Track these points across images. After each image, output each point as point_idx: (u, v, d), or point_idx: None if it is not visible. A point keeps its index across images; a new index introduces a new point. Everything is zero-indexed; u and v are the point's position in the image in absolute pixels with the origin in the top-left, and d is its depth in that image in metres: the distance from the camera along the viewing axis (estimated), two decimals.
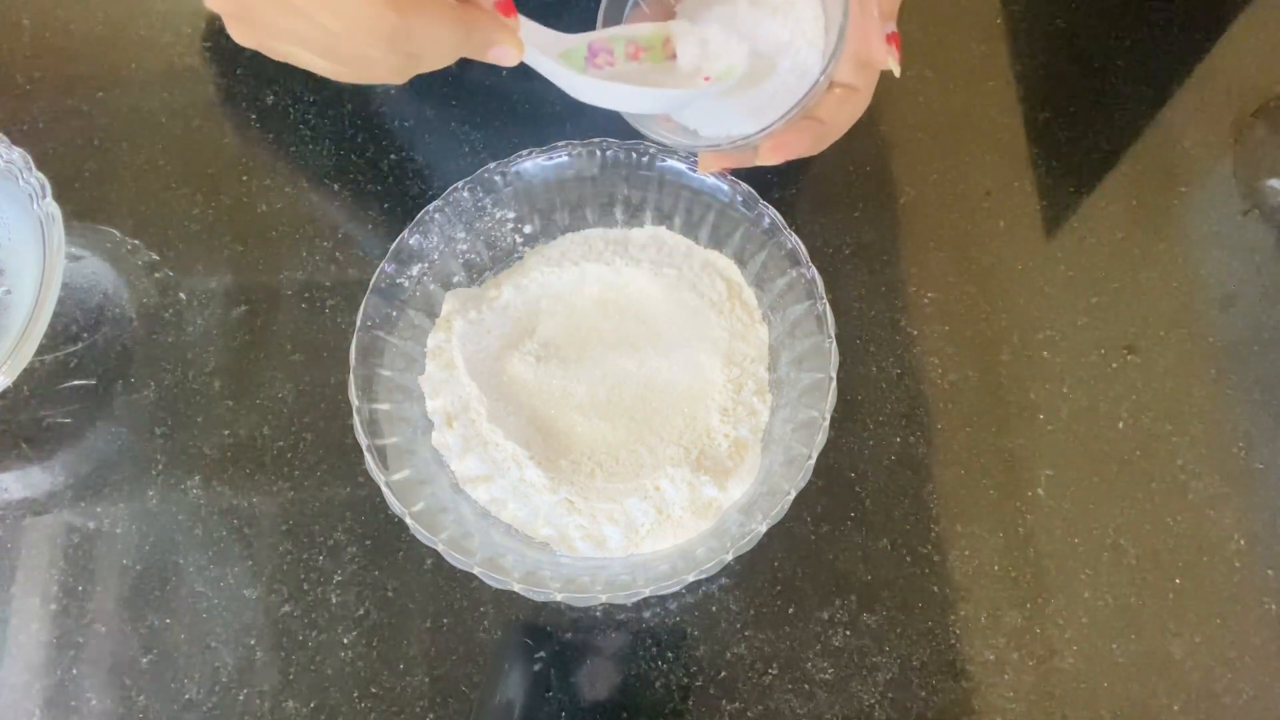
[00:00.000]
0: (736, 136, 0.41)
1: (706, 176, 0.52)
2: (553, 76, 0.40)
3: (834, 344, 0.47)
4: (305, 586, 0.51)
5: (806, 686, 0.49)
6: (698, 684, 0.49)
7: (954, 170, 0.60)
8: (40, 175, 0.53)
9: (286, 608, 0.51)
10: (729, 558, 0.44)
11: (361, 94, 0.62)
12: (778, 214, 0.50)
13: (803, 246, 0.50)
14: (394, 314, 0.51)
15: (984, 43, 0.63)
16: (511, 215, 0.54)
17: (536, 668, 0.49)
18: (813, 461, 0.45)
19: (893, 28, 0.41)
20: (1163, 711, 0.49)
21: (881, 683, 0.49)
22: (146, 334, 0.57)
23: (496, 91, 0.62)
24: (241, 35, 0.36)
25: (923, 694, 0.49)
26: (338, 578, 0.52)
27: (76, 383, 0.56)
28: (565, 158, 0.53)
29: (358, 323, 0.49)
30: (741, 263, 0.54)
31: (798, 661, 0.50)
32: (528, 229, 0.55)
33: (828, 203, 0.59)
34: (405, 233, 0.51)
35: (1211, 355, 0.55)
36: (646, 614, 0.51)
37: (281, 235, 0.59)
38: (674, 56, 0.43)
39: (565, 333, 0.53)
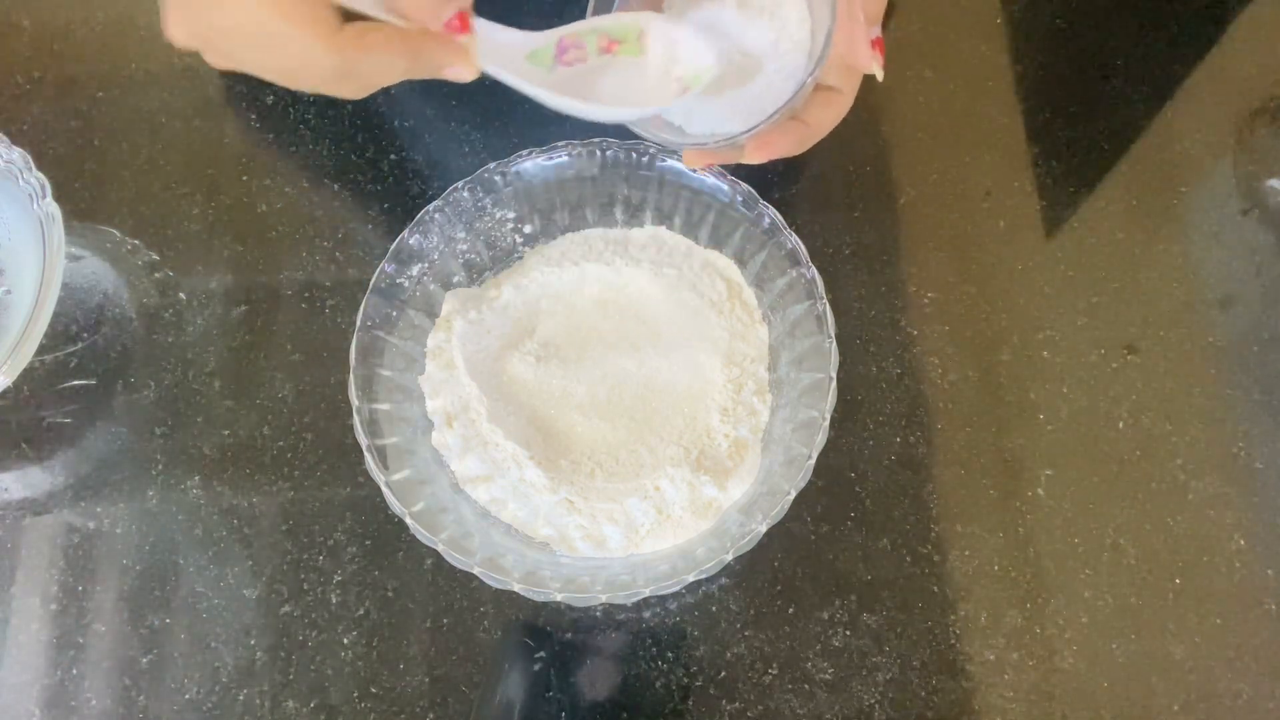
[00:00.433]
0: (723, 135, 0.41)
1: (706, 177, 0.52)
2: (518, 87, 0.39)
3: (834, 344, 0.47)
4: (305, 586, 0.51)
5: (806, 686, 0.49)
6: (698, 684, 0.50)
7: (954, 170, 0.60)
8: (40, 175, 0.53)
9: (286, 608, 0.51)
10: (729, 558, 0.44)
11: None
12: (778, 214, 0.50)
13: (803, 246, 0.50)
14: (394, 314, 0.51)
15: (984, 43, 0.63)
16: (511, 215, 0.54)
17: (536, 668, 0.49)
18: (813, 461, 0.45)
19: (877, 33, 0.41)
20: (1163, 711, 0.49)
21: (881, 683, 0.49)
22: (146, 334, 0.57)
23: (496, 91, 0.62)
24: (215, 63, 0.36)
25: (923, 694, 0.49)
26: (338, 578, 0.52)
27: (76, 383, 0.56)
28: (565, 158, 0.53)
29: (358, 323, 0.49)
30: (741, 263, 0.54)
31: (798, 661, 0.50)
32: (528, 229, 0.55)
33: (828, 203, 0.59)
34: (405, 233, 0.51)
35: (1211, 355, 0.55)
36: (646, 614, 0.51)
37: (281, 235, 0.59)
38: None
39: (565, 333, 0.53)
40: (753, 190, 0.51)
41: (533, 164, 0.53)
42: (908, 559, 0.51)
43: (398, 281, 0.51)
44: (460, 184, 0.52)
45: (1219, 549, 0.51)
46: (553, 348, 0.53)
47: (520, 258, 0.56)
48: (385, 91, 0.62)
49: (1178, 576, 0.51)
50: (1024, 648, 0.50)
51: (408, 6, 0.34)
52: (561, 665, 0.50)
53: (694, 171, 0.52)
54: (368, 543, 0.52)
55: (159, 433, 0.55)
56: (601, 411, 0.51)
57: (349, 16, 0.35)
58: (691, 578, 0.44)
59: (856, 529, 0.52)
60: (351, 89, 0.35)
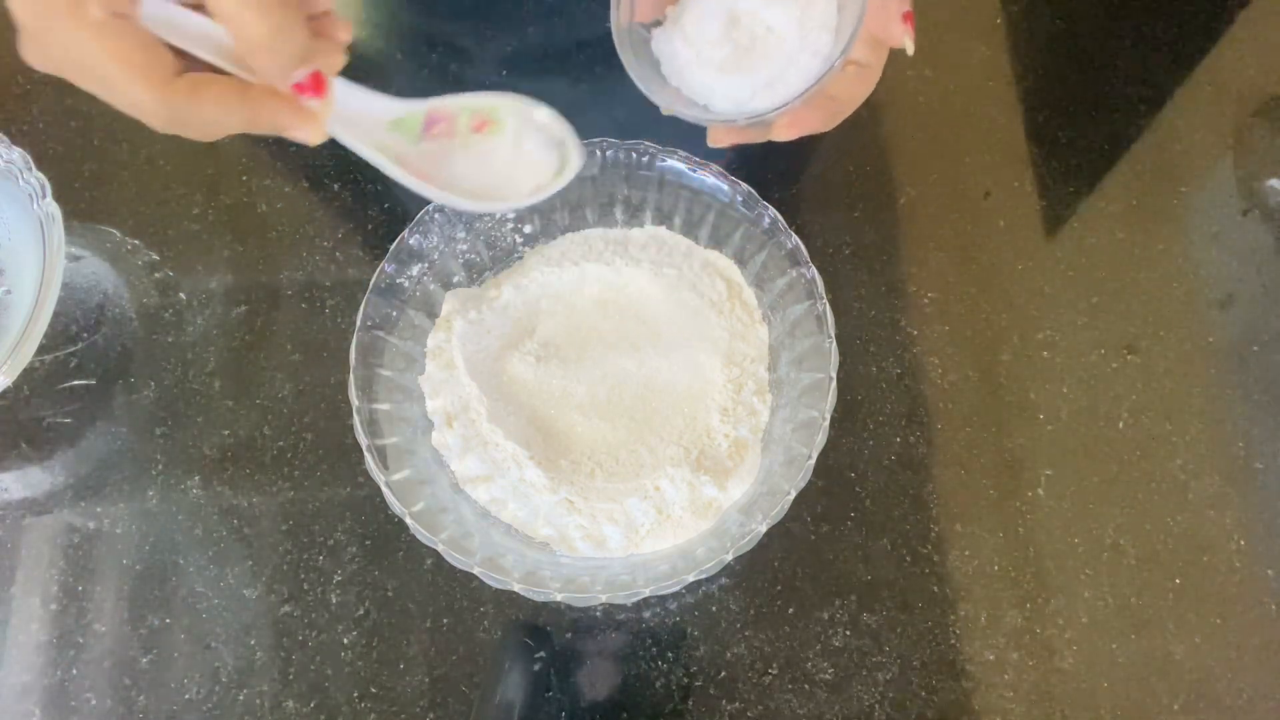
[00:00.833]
0: (751, 112, 0.41)
1: (706, 176, 0.52)
2: (369, 159, 0.37)
3: (834, 344, 0.47)
4: (305, 586, 0.51)
5: (806, 686, 0.49)
6: (698, 684, 0.50)
7: (954, 170, 0.60)
8: (40, 175, 0.53)
9: (286, 608, 0.51)
10: (729, 558, 0.44)
11: None
12: (778, 214, 0.50)
13: (803, 246, 0.50)
14: (394, 314, 0.51)
15: (984, 43, 0.63)
16: (511, 215, 0.54)
17: (536, 668, 0.49)
18: (813, 461, 0.45)
19: (908, 6, 0.41)
20: (1163, 711, 0.49)
21: (881, 683, 0.49)
22: (146, 334, 0.57)
23: (497, 92, 0.62)
24: (29, 51, 0.34)
25: (923, 694, 0.49)
26: (338, 578, 0.52)
27: (76, 383, 0.56)
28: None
29: (358, 323, 0.49)
30: (741, 263, 0.54)
31: (798, 661, 0.50)
32: (528, 229, 0.55)
33: (828, 203, 0.59)
34: (405, 233, 0.51)
35: (1211, 355, 0.55)
36: (646, 614, 0.51)
37: (281, 235, 0.59)
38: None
39: (565, 333, 0.53)
40: (753, 190, 0.51)
41: None
42: (908, 559, 0.51)
43: (398, 281, 0.51)
44: None
45: (1219, 549, 0.51)
46: (553, 348, 0.53)
47: (520, 258, 0.56)
48: (385, 91, 0.62)
49: (1178, 576, 0.51)
50: (1024, 648, 0.50)
51: (256, 62, 0.32)
52: (561, 665, 0.50)
53: (693, 172, 0.52)
54: (368, 543, 0.52)
55: (159, 433, 0.55)
56: (601, 411, 0.51)
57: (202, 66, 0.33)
58: (691, 578, 0.44)
59: (856, 529, 0.52)
60: (191, 135, 0.33)
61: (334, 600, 0.51)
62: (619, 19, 0.41)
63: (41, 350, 0.53)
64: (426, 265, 0.53)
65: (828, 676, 0.49)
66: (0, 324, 0.54)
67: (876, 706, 0.49)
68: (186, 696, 0.50)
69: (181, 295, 0.58)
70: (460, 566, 0.44)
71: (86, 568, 0.52)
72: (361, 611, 0.51)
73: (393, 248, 0.51)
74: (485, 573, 0.44)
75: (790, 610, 0.51)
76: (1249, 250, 0.58)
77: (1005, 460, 0.53)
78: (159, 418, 0.55)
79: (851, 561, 0.51)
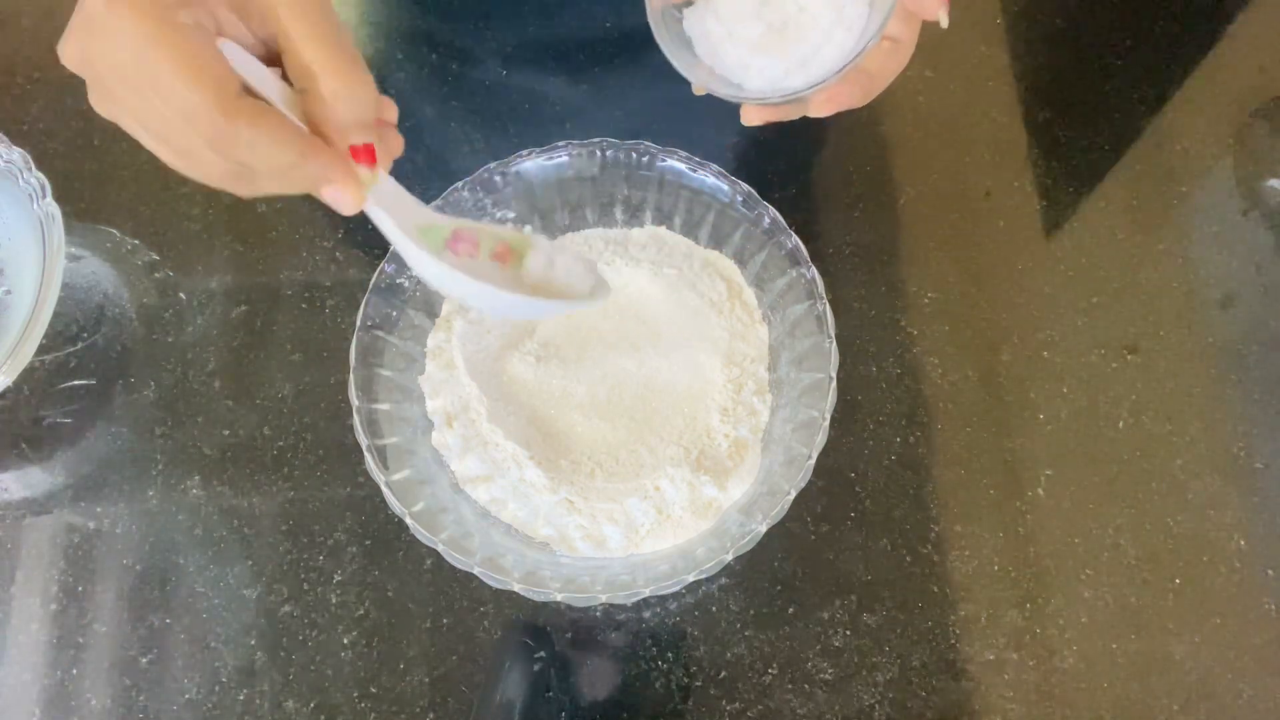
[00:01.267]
0: (786, 90, 0.41)
1: (706, 176, 0.52)
2: (396, 242, 0.37)
3: (834, 344, 0.47)
4: (305, 586, 0.51)
5: (806, 686, 0.49)
6: (698, 684, 0.50)
7: (954, 170, 0.60)
8: (40, 175, 0.53)
9: (286, 608, 0.51)
10: (729, 558, 0.44)
11: None
12: (778, 214, 0.50)
13: (803, 246, 0.50)
14: (394, 314, 0.51)
15: (984, 43, 0.63)
16: (511, 215, 0.54)
17: (536, 668, 0.49)
18: (813, 461, 0.45)
19: None
20: (1163, 711, 0.49)
21: (881, 683, 0.49)
22: (146, 334, 0.57)
23: (496, 91, 0.62)
24: (98, 104, 0.33)
25: (923, 694, 0.49)
26: (338, 578, 0.52)
27: (76, 383, 0.56)
28: (565, 158, 0.53)
29: (358, 323, 0.49)
30: (741, 263, 0.54)
31: (798, 661, 0.50)
32: (527, 229, 0.55)
33: (828, 203, 0.59)
34: None
35: (1211, 355, 0.55)
36: (646, 614, 0.51)
37: (281, 235, 0.59)
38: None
39: (565, 333, 0.53)
40: (753, 190, 0.51)
41: (533, 164, 0.53)
42: (908, 559, 0.51)
43: (398, 281, 0.51)
44: (460, 184, 0.52)
45: (1219, 549, 0.51)
46: (553, 348, 0.53)
47: None
48: (385, 91, 0.62)
49: (1178, 576, 0.51)
50: (1024, 648, 0.50)
51: (330, 112, 0.32)
52: (561, 665, 0.50)
53: (693, 172, 0.52)
54: (368, 543, 0.52)
55: (159, 433, 0.55)
56: (601, 411, 0.51)
57: None
58: (691, 578, 0.44)
59: (856, 529, 0.52)
60: (225, 168, 0.32)
61: (334, 600, 0.51)
62: None
63: (41, 350, 0.53)
64: None
65: (828, 676, 0.49)
66: (0, 324, 0.54)
67: (876, 706, 0.49)
68: (186, 696, 0.50)
69: (181, 295, 0.58)
70: (460, 566, 0.44)
71: (86, 568, 0.52)
72: (361, 611, 0.51)
73: (393, 248, 0.51)
74: (485, 573, 0.44)
75: (790, 610, 0.51)
76: (1249, 250, 0.58)
77: (1005, 460, 0.53)
78: (159, 418, 0.55)
79: (851, 561, 0.51)
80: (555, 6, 0.62)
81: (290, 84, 0.33)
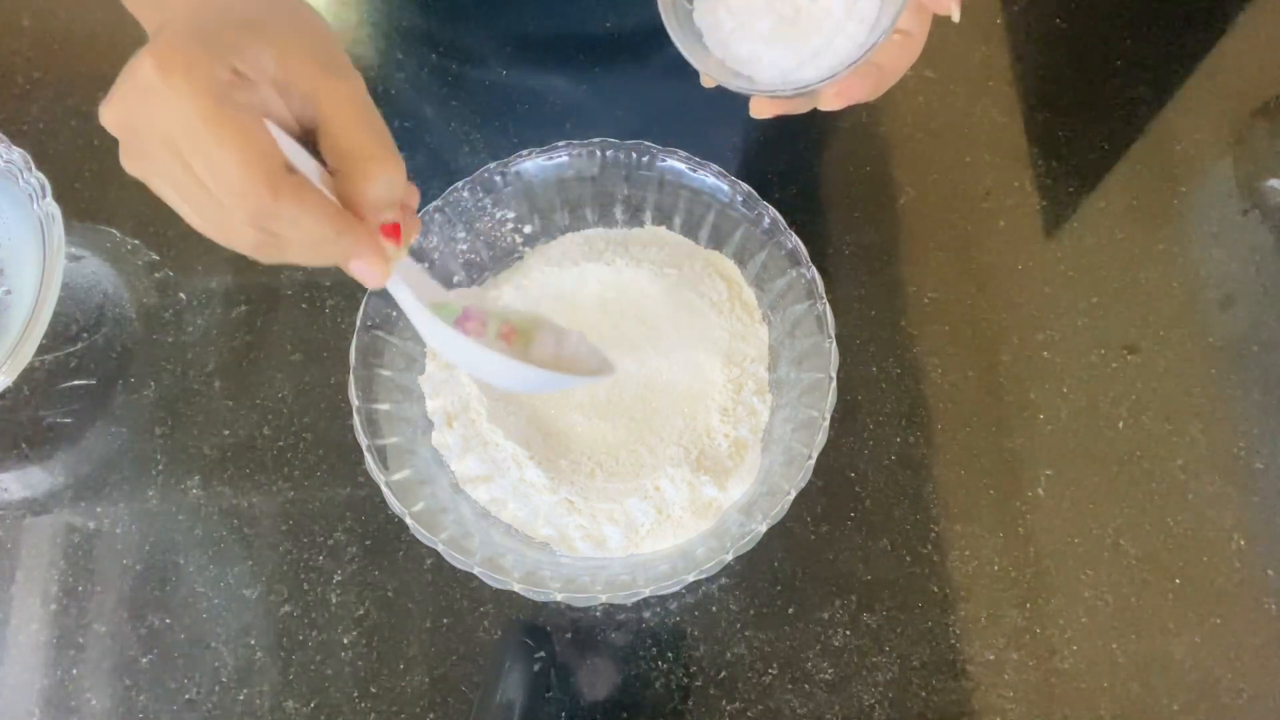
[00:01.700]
0: (797, 83, 0.41)
1: (706, 176, 0.52)
2: (415, 317, 0.39)
3: (834, 344, 0.47)
4: (305, 586, 0.51)
5: (806, 686, 0.49)
6: (698, 684, 0.49)
7: (954, 170, 0.60)
8: (40, 175, 0.53)
9: (286, 608, 0.51)
10: (729, 558, 0.44)
11: None
12: (778, 214, 0.50)
13: (803, 246, 0.50)
14: (394, 314, 0.51)
15: (984, 43, 0.63)
16: (511, 215, 0.54)
17: (536, 668, 0.49)
18: (813, 461, 0.45)
19: None
20: (1163, 711, 0.49)
21: (881, 683, 0.49)
22: (146, 334, 0.57)
23: (496, 91, 0.62)
24: (130, 164, 0.34)
25: (923, 694, 0.49)
26: (338, 578, 0.52)
27: (76, 383, 0.56)
28: (565, 158, 0.53)
29: (358, 323, 0.49)
30: (741, 263, 0.54)
31: (798, 661, 0.50)
32: (528, 229, 0.55)
33: (828, 203, 0.59)
34: None
35: (1211, 355, 0.55)
36: (646, 614, 0.51)
37: None
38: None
39: None
40: (753, 190, 0.51)
41: (533, 164, 0.53)
42: (908, 559, 0.51)
43: None
44: (460, 184, 0.52)
45: (1219, 549, 0.51)
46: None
47: (520, 258, 0.56)
48: (385, 91, 0.62)
49: (1178, 576, 0.51)
50: (1024, 648, 0.50)
51: (366, 190, 0.34)
52: (561, 665, 0.50)
53: (693, 172, 0.52)
54: (368, 543, 0.52)
55: (159, 433, 0.55)
56: (601, 411, 0.51)
57: None
58: (691, 578, 0.44)
59: (856, 529, 0.52)
60: (255, 239, 0.33)
61: (334, 600, 0.51)
62: None
63: (41, 350, 0.53)
64: (427, 265, 0.53)
65: (828, 676, 0.49)
66: (0, 324, 0.54)
67: (876, 706, 0.49)
68: (186, 696, 0.50)
69: (181, 295, 0.58)
70: (460, 566, 0.44)
71: (86, 568, 0.52)
72: (361, 611, 0.51)
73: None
74: (485, 573, 0.44)
75: (790, 610, 0.51)
76: (1249, 250, 0.58)
77: (1005, 460, 0.53)
78: (159, 418, 0.55)
79: (851, 561, 0.51)
80: (555, 6, 0.62)
81: (323, 162, 0.34)
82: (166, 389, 0.55)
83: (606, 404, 0.51)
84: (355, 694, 0.49)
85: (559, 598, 0.44)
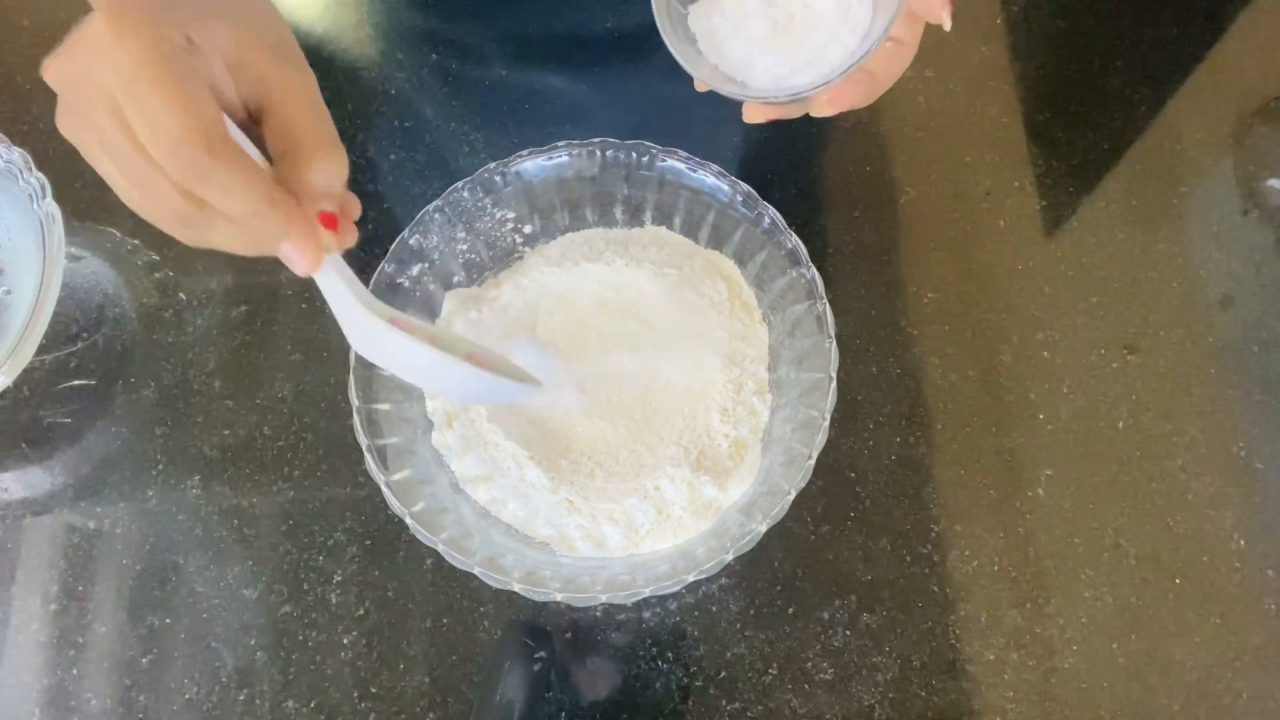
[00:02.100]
0: (791, 89, 0.41)
1: (706, 176, 0.52)
2: (339, 308, 0.38)
3: (834, 344, 0.47)
4: (305, 586, 0.51)
5: (806, 686, 0.49)
6: (698, 684, 0.49)
7: (954, 170, 0.60)
8: (40, 175, 0.53)
9: (286, 608, 0.51)
10: (729, 558, 0.44)
11: (361, 94, 0.62)
12: (778, 214, 0.50)
13: (803, 246, 0.50)
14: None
15: (984, 43, 0.63)
16: (511, 215, 0.54)
17: (536, 668, 0.49)
18: (813, 461, 0.45)
19: None
20: (1162, 711, 0.49)
21: (881, 683, 0.49)
22: (146, 334, 0.57)
23: (496, 91, 0.62)
24: (63, 121, 0.33)
25: (923, 694, 0.49)
26: (338, 578, 0.52)
27: (76, 383, 0.56)
28: (565, 158, 0.53)
29: None
30: (741, 263, 0.54)
31: (798, 661, 0.50)
32: (528, 229, 0.55)
33: (828, 203, 0.59)
34: (405, 233, 0.51)
35: (1211, 355, 0.55)
36: (646, 614, 0.51)
37: None
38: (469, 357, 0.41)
39: (565, 333, 0.53)
40: (753, 190, 0.51)
41: (533, 164, 0.53)
42: (908, 559, 0.51)
43: (398, 281, 0.51)
44: (460, 184, 0.52)
45: (1219, 549, 0.51)
46: (553, 348, 0.53)
47: (520, 258, 0.56)
48: (385, 91, 0.62)
49: (1178, 576, 0.51)
50: (1024, 648, 0.50)
51: (309, 174, 0.33)
52: (561, 665, 0.50)
53: (693, 172, 0.52)
54: (368, 543, 0.52)
55: (159, 433, 0.55)
56: (601, 411, 0.51)
57: None
58: (691, 578, 0.44)
59: (856, 529, 0.52)
60: (172, 208, 0.32)
61: (334, 600, 0.51)
62: None
63: (41, 350, 0.53)
64: (426, 265, 0.53)
65: (828, 676, 0.49)
66: (0, 324, 0.54)
67: (876, 706, 0.49)
68: (186, 696, 0.50)
69: (181, 295, 0.58)
70: (460, 566, 0.44)
71: (86, 568, 0.52)
72: (361, 611, 0.51)
73: (393, 248, 0.51)
74: (485, 573, 0.44)
75: (790, 610, 0.51)
76: (1249, 250, 0.58)
77: (1005, 460, 0.53)
78: (159, 418, 0.55)
79: (851, 561, 0.51)
80: (555, 6, 0.62)
81: (266, 157, 0.34)
82: (166, 389, 0.55)
83: (606, 404, 0.51)
84: (355, 694, 0.49)
85: (559, 598, 0.44)
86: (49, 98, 0.32)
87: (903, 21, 0.41)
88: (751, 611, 0.51)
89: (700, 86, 0.42)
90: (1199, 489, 0.53)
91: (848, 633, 0.50)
